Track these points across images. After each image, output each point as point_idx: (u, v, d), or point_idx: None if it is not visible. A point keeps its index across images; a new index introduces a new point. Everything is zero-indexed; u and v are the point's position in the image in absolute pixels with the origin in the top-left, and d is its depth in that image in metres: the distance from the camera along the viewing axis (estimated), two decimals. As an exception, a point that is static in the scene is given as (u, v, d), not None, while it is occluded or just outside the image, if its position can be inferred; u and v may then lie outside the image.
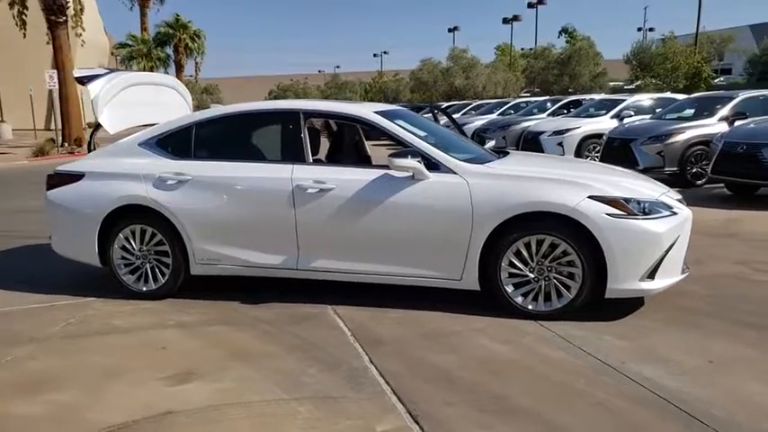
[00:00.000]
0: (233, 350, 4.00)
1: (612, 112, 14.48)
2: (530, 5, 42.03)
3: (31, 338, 4.30)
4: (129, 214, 5.01)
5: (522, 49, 46.15)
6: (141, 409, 3.22)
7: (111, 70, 5.57)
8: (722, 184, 10.19)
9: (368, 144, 6.26)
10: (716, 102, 12.25)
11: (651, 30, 52.58)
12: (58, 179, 5.26)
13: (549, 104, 18.64)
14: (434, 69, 36.83)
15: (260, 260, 4.80)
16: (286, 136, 4.86)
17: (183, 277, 5.00)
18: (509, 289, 4.35)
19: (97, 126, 5.44)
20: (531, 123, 16.15)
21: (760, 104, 11.85)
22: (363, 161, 6.06)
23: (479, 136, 15.26)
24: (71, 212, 5.14)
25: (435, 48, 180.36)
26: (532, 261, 4.28)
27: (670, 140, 11.22)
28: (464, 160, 4.58)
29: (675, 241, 4.24)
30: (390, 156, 4.38)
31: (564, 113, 16.93)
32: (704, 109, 12.43)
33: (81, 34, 24.93)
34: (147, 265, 5.04)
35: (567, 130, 14.30)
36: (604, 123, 14.24)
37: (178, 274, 4.98)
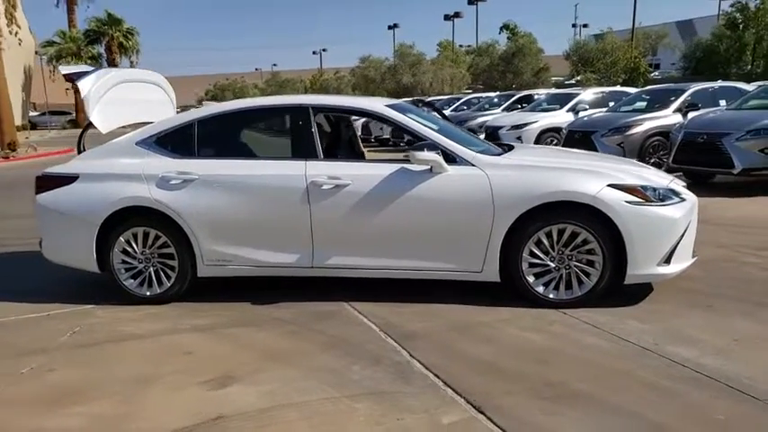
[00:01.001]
0: (263, 351, 3.89)
1: (568, 106, 14.88)
2: (470, 2, 42.67)
3: (38, 349, 4.06)
4: (130, 217, 4.80)
5: (461, 45, 46.81)
6: (190, 416, 3.09)
7: (98, 67, 5.31)
8: (680, 173, 10.62)
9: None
10: (669, 94, 12.78)
11: (585, 26, 54.30)
12: (49, 181, 4.98)
13: (502, 100, 18.99)
14: (381, 66, 36.87)
15: (273, 259, 4.69)
16: (296, 132, 4.76)
17: (190, 280, 4.83)
18: (530, 279, 4.40)
19: (87, 125, 5.18)
20: (487, 118, 16.42)
21: (709, 96, 12.45)
22: (358, 157, 6.03)
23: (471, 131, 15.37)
24: (65, 216, 4.87)
25: (375, 45, 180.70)
26: (553, 250, 4.35)
27: (629, 132, 11.63)
28: (478, 153, 4.60)
29: (688, 226, 4.40)
30: (410, 149, 4.37)
31: (518, 108, 17.28)
32: (656, 101, 12.95)
33: (17, 32, 23.72)
34: (151, 269, 4.84)
35: (526, 124, 14.61)
36: (561, 117, 14.65)
37: (185, 277, 4.81)
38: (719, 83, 13.77)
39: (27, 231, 7.95)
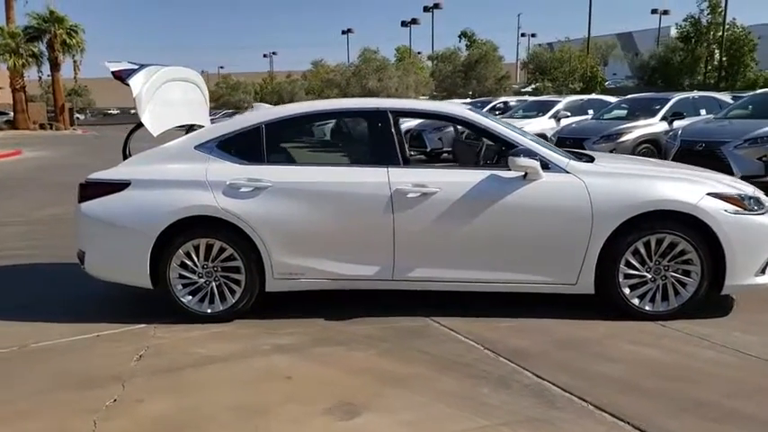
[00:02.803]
0: (372, 373, 3.59)
1: (550, 113, 15.06)
2: (426, 9, 42.93)
3: (109, 377, 3.62)
4: (190, 227, 4.39)
5: (419, 53, 47.06)
6: (337, 452, 2.79)
7: (142, 65, 4.87)
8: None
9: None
10: (652, 103, 13.11)
11: (534, 35, 55.55)
12: (95, 189, 4.51)
13: (477, 107, 19.05)
14: (346, 71, 36.47)
15: (350, 272, 4.39)
16: (376, 137, 4.48)
17: (257, 296, 4.47)
18: (626, 291, 4.26)
19: (134, 128, 4.75)
20: (467, 124, 16.42)
21: (691, 105, 12.87)
22: (405, 161, 5.78)
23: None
24: (116, 227, 4.42)
25: (327, 49, 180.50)
26: (650, 261, 4.22)
27: (621, 139, 11.85)
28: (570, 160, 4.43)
29: (779, 235, 4.36)
30: (510, 155, 4.16)
31: (495, 115, 17.36)
32: (637, 110, 13.29)
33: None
34: (213, 284, 4.45)
35: (510, 130, 14.65)
36: (543, 124, 14.82)
37: (251, 293, 4.44)
38: (697, 93, 14.20)
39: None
